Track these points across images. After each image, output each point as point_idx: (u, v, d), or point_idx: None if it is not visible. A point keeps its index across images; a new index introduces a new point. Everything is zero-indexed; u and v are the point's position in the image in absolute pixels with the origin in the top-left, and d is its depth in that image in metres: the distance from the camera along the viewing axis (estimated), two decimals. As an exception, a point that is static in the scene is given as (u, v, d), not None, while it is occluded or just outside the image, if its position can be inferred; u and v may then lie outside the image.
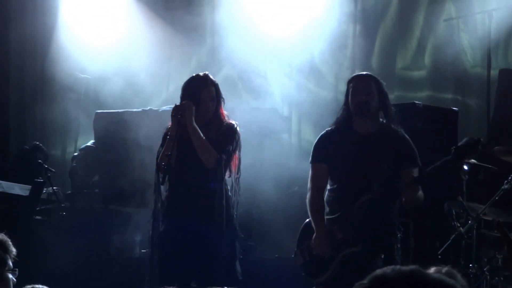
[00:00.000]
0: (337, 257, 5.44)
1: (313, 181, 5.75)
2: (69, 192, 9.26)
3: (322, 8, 9.36)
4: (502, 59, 9.35)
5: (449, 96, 9.66)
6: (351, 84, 5.72)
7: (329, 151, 5.71)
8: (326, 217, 5.65)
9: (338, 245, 5.46)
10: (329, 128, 5.81)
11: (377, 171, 5.48)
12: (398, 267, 1.86)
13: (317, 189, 5.72)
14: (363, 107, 5.61)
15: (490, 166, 6.82)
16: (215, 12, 9.18)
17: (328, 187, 5.75)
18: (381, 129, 5.64)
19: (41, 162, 8.89)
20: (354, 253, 5.39)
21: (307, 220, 5.71)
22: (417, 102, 7.45)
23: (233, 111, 6.23)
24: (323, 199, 5.73)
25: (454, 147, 5.26)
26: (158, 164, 5.80)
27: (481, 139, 5.31)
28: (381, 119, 5.68)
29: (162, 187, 5.86)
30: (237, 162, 6.00)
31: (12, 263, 3.84)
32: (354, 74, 5.85)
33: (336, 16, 9.38)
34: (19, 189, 8.44)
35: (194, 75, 6.01)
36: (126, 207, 8.49)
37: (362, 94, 5.62)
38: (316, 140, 5.86)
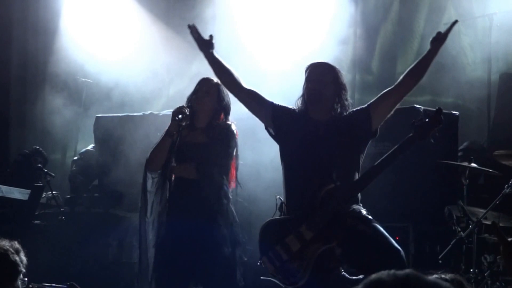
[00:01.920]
0: (312, 258, 5.10)
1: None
2: (69, 196, 9.25)
3: (322, 12, 9.35)
4: (502, 63, 9.33)
5: (450, 100, 9.65)
6: (307, 72, 5.52)
7: (285, 121, 5.50)
8: (288, 216, 5.35)
9: (309, 245, 5.13)
10: (292, 107, 5.58)
11: (333, 159, 5.27)
12: (393, 271, 1.83)
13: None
14: (315, 95, 5.40)
15: (491, 170, 6.80)
16: (216, 18, 9.18)
17: (284, 182, 5.49)
18: (333, 118, 5.41)
19: (41, 166, 8.88)
20: (330, 249, 5.08)
21: (264, 224, 5.40)
22: (417, 106, 7.42)
23: (234, 116, 6.22)
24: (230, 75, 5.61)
25: (413, 122, 5.12)
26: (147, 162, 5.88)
27: (441, 109, 5.10)
28: (336, 108, 5.43)
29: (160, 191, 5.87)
30: (235, 162, 6.02)
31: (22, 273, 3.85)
32: (311, 62, 5.59)
33: (336, 20, 9.36)
34: (19, 194, 8.43)
35: None
36: (126, 211, 8.47)
37: (315, 82, 5.42)
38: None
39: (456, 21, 5.47)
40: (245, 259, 5.91)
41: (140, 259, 5.87)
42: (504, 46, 9.26)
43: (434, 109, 5.17)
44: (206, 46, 5.74)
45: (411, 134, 5.10)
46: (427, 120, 5.09)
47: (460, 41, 9.67)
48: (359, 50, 10.05)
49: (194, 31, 5.75)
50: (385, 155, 5.14)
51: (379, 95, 5.46)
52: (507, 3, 8.90)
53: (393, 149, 5.12)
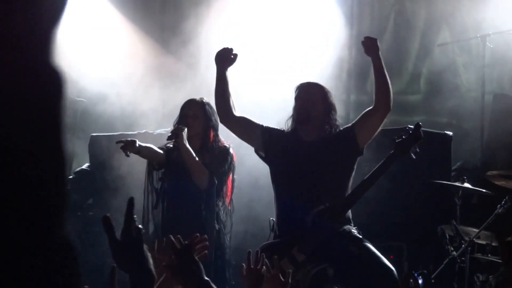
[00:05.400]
0: (306, 280, 5.15)
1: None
2: (64, 215, 9.23)
3: (317, 33, 9.39)
4: (496, 84, 9.38)
5: (444, 120, 9.68)
6: (296, 91, 5.61)
7: (275, 143, 5.57)
8: (280, 240, 5.38)
9: (302, 267, 5.17)
10: (282, 128, 5.67)
11: (323, 179, 5.33)
12: None
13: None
14: (304, 115, 5.48)
15: (483, 190, 6.82)
16: (210, 36, 9.20)
17: (275, 204, 5.55)
18: (323, 138, 5.48)
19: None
20: (323, 270, 5.13)
21: (262, 245, 5.37)
22: (411, 126, 7.44)
23: (228, 135, 6.25)
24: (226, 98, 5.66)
25: (394, 139, 5.17)
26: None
27: (420, 123, 5.23)
28: (326, 128, 5.52)
29: (155, 211, 5.90)
30: (230, 184, 6.04)
31: None
32: (300, 82, 5.69)
33: (331, 40, 9.41)
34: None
35: None
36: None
37: (303, 102, 5.50)
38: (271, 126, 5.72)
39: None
40: (233, 282, 5.92)
41: None
42: (497, 67, 9.30)
43: (428, 130, 5.25)
44: (226, 60, 5.73)
45: (392, 151, 5.15)
46: (406, 136, 5.15)
47: (454, 62, 9.72)
48: (354, 70, 10.09)
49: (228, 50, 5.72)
50: (369, 174, 5.18)
51: (361, 114, 5.51)
52: (500, 25, 8.94)
53: (376, 167, 5.16)
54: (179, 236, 3.07)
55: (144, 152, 5.89)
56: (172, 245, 3.01)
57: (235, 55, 5.68)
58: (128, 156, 5.80)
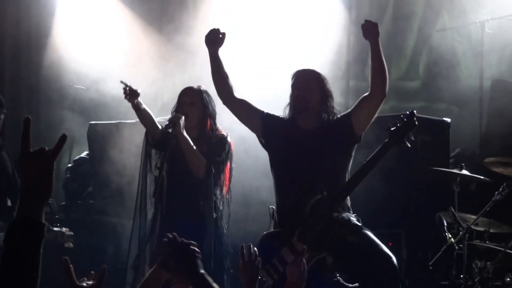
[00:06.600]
0: (307, 268, 5.18)
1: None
2: (63, 203, 9.25)
3: (316, 19, 9.37)
4: (495, 69, 9.37)
5: (443, 106, 9.68)
6: (292, 79, 5.57)
7: (274, 131, 5.55)
8: (280, 229, 5.37)
9: (302, 256, 5.20)
10: (282, 116, 5.65)
11: (321, 167, 5.32)
12: None
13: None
14: (301, 102, 5.45)
15: (481, 177, 6.83)
16: (209, 26, 9.19)
17: (274, 192, 5.54)
18: (321, 125, 5.45)
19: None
20: (322, 258, 5.13)
21: (259, 239, 5.39)
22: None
23: (227, 124, 6.26)
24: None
25: (388, 128, 5.15)
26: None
27: (415, 111, 5.19)
28: (323, 116, 5.48)
29: (153, 199, 5.91)
30: (228, 172, 6.04)
31: None
32: (297, 69, 5.64)
33: (330, 26, 9.40)
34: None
35: None
36: (121, 218, 8.48)
37: (300, 90, 5.47)
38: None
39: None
40: (232, 271, 5.93)
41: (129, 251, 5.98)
42: (496, 53, 9.30)
43: (426, 117, 5.23)
44: (215, 41, 5.75)
45: (386, 140, 5.13)
46: (401, 124, 5.12)
47: (453, 47, 9.71)
48: (353, 57, 10.08)
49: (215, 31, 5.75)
50: (364, 162, 5.16)
51: (358, 100, 5.50)
52: (499, 11, 8.93)
53: (371, 155, 5.14)
54: (175, 234, 3.08)
55: (143, 112, 5.91)
56: (171, 243, 3.01)
57: (223, 34, 5.71)
58: (126, 98, 5.82)
